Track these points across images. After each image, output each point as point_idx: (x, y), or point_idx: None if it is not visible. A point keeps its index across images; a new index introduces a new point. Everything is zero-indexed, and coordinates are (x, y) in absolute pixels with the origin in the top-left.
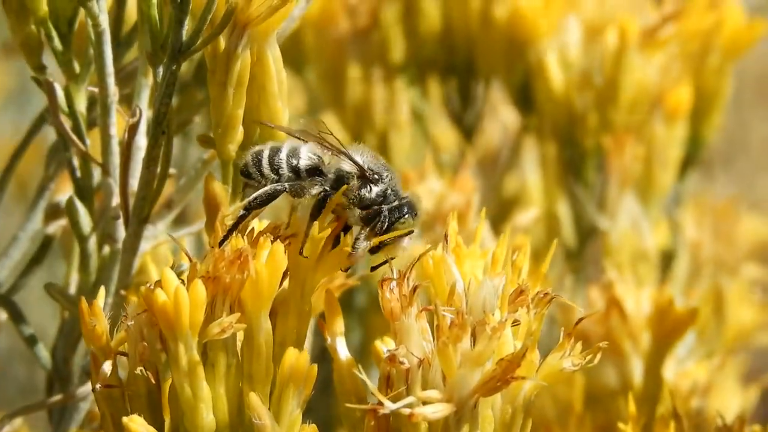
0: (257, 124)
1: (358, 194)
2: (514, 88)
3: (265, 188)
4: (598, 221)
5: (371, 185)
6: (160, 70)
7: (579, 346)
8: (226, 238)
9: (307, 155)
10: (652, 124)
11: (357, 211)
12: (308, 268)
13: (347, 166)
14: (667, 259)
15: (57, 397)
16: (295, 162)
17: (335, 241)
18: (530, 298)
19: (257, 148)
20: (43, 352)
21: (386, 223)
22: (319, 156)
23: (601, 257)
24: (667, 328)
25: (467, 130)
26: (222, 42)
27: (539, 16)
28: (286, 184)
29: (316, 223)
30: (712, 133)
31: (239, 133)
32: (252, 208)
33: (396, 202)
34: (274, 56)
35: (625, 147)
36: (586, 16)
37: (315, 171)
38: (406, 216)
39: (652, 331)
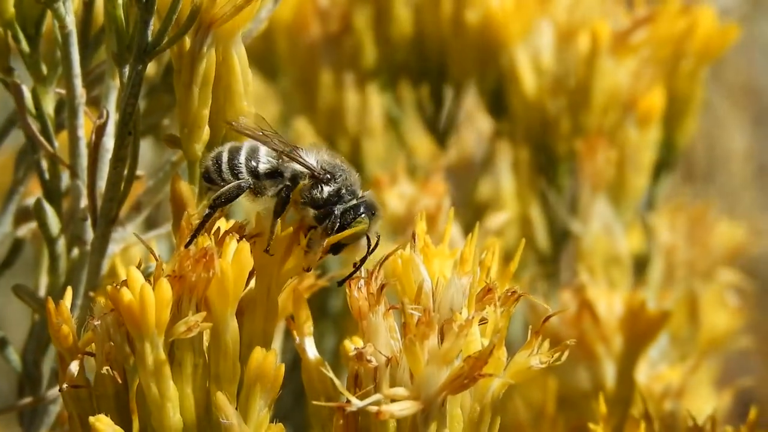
0: (224, 123)
1: (310, 194)
2: (487, 93)
3: (229, 186)
4: (571, 225)
5: (322, 185)
6: (126, 70)
7: (546, 344)
8: (193, 237)
9: (265, 158)
10: (625, 128)
11: (311, 211)
12: (274, 267)
13: (299, 166)
14: (640, 264)
15: (27, 400)
16: (254, 165)
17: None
18: (497, 296)
19: (216, 151)
20: (14, 356)
21: (337, 223)
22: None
23: (575, 261)
24: (639, 331)
25: (440, 134)
26: (187, 42)
27: (511, 20)
28: (250, 181)
29: (279, 222)
30: (686, 138)
31: (205, 133)
32: (217, 206)
33: (351, 202)
34: (239, 56)
35: (597, 151)
36: (558, 21)
37: (274, 173)
38: (362, 216)
39: (624, 333)
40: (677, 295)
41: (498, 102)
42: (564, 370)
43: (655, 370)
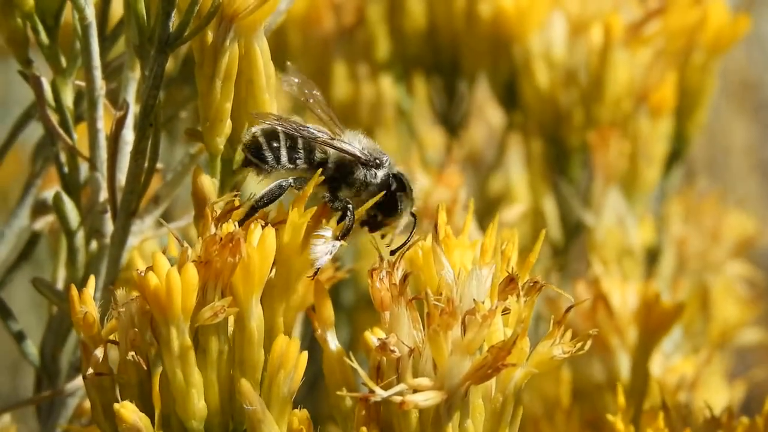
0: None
1: (365, 181)
2: (499, 86)
3: (272, 185)
4: (583, 217)
5: (375, 170)
6: (148, 62)
7: (569, 333)
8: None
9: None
10: (637, 120)
11: (365, 195)
12: (292, 255)
13: (346, 155)
14: (652, 256)
15: (45, 393)
16: (309, 153)
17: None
18: (521, 285)
19: (266, 128)
20: (32, 349)
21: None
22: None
23: (587, 254)
24: (653, 323)
25: (453, 127)
26: (209, 35)
27: (524, 13)
28: (291, 180)
29: (296, 209)
30: (697, 130)
31: (227, 127)
32: (260, 207)
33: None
34: (261, 49)
35: (610, 143)
36: (571, 13)
37: (325, 162)
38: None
39: (638, 325)
40: (688, 287)
41: (510, 94)
42: (578, 362)
43: (668, 362)
